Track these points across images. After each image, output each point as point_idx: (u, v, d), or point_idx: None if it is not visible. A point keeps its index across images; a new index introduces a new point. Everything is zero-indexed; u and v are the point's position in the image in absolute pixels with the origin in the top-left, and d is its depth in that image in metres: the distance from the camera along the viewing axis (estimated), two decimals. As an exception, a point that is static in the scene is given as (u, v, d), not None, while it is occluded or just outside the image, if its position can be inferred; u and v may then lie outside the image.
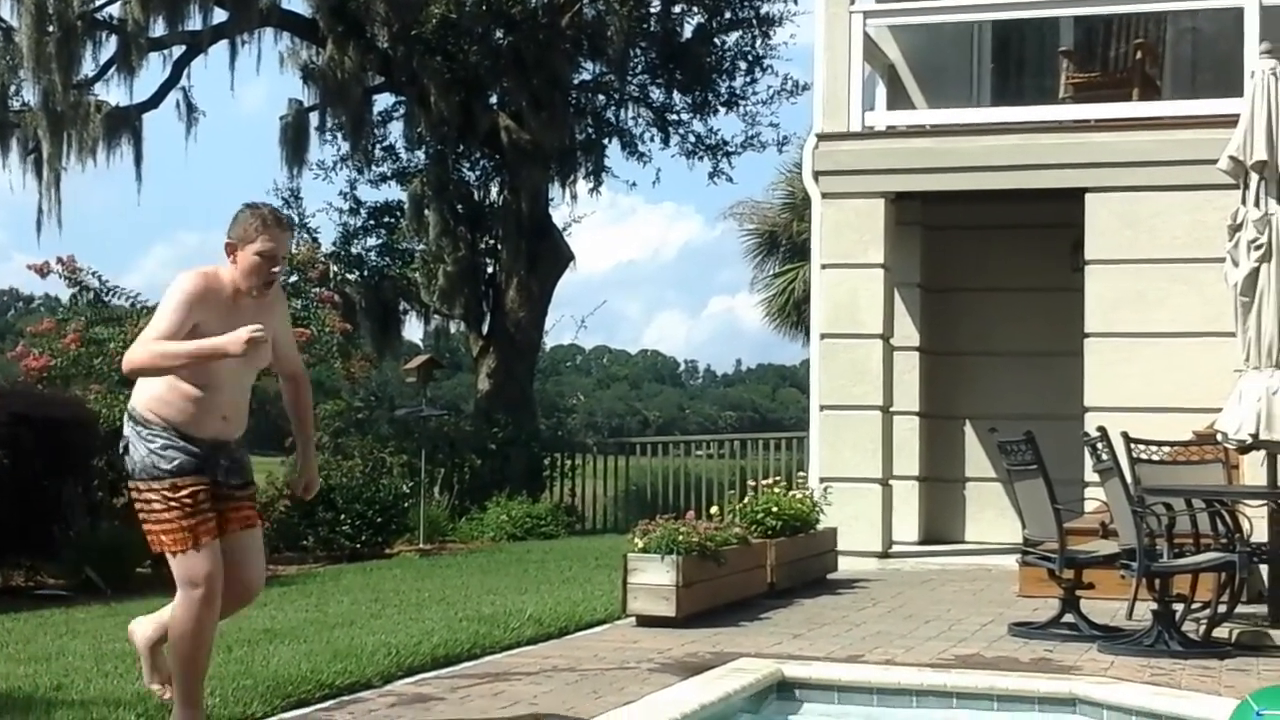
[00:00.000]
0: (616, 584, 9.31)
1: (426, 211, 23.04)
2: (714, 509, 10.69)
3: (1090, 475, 9.83)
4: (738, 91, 23.56)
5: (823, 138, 13.76)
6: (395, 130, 24.37)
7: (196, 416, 5.29)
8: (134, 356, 5.18)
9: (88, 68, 21.60)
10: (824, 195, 13.68)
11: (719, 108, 23.68)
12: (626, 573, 9.06)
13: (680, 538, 9.11)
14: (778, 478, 12.12)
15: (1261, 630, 8.59)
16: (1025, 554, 9.62)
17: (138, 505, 5.33)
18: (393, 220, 24.67)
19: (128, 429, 5.36)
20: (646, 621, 8.94)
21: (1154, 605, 8.39)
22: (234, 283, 5.37)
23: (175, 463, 5.24)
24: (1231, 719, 5.80)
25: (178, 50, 22.37)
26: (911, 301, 14.77)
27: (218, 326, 5.21)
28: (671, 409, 53.24)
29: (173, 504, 5.21)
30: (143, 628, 5.65)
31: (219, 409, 5.34)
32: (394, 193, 24.57)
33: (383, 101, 24.19)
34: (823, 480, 12.83)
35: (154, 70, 22.69)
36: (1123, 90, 13.48)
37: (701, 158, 24.01)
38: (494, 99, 23.02)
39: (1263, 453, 9.38)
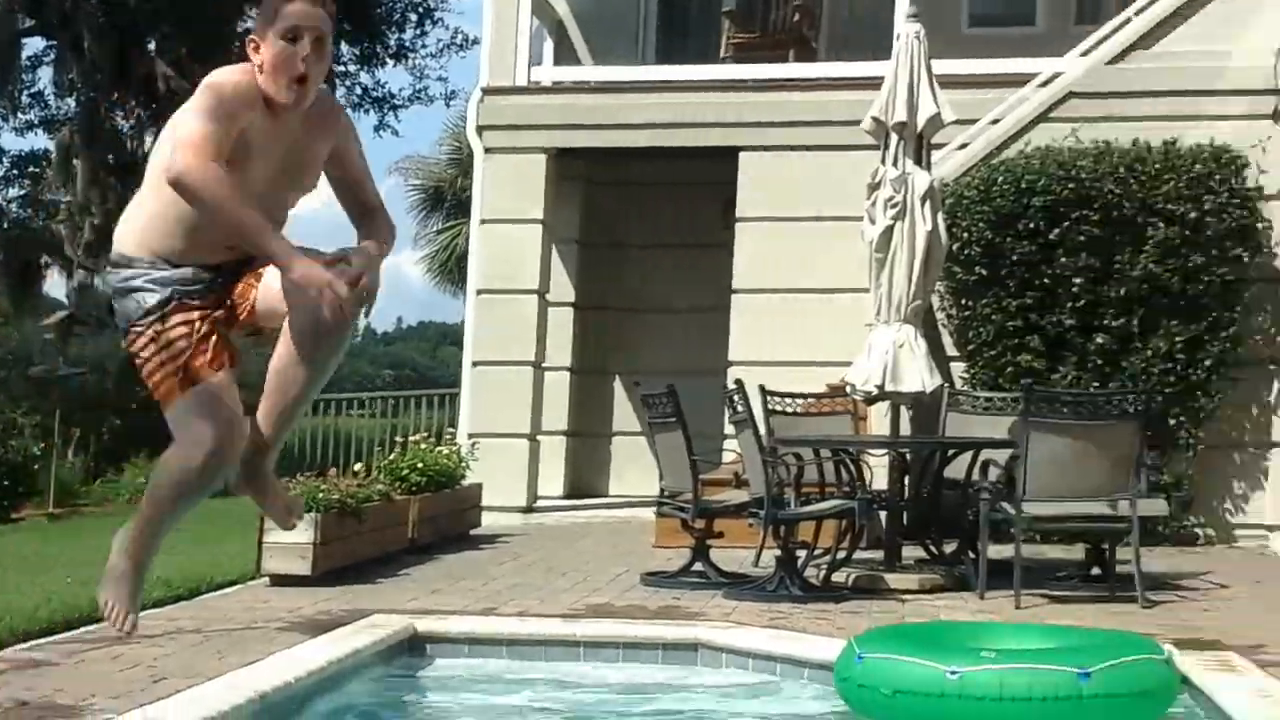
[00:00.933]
0: (253, 544, 9.14)
1: (75, 161, 22.09)
2: (358, 466, 10.61)
3: (730, 428, 10.11)
4: (407, 44, 23.40)
5: (488, 92, 13.78)
6: (45, 76, 23.33)
7: (197, 244, 4.29)
8: (190, 165, 3.99)
9: None
10: (487, 150, 13.71)
11: (387, 60, 23.45)
12: (261, 532, 8.91)
13: (320, 495, 9.02)
14: (425, 434, 12.11)
15: (878, 574, 9.01)
16: (661, 505, 9.85)
17: (138, 365, 4.35)
18: (38, 170, 23.59)
19: (110, 280, 4.38)
20: (281, 581, 8.82)
21: (779, 552, 8.69)
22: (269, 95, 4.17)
23: (164, 292, 4.28)
24: (837, 663, 6.09)
25: None
26: (569, 257, 14.92)
27: (260, 146, 4.18)
28: (329, 367, 52.45)
29: (164, 338, 4.27)
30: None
31: (228, 238, 4.25)
32: (40, 141, 23.55)
33: (32, 45, 23.10)
34: (471, 436, 12.88)
35: None
36: (780, 51, 13.89)
37: (368, 110, 23.77)
38: (153, 46, 22.20)
39: (888, 404, 9.83)
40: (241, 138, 4.10)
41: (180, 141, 4.04)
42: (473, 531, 11.75)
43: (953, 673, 5.45)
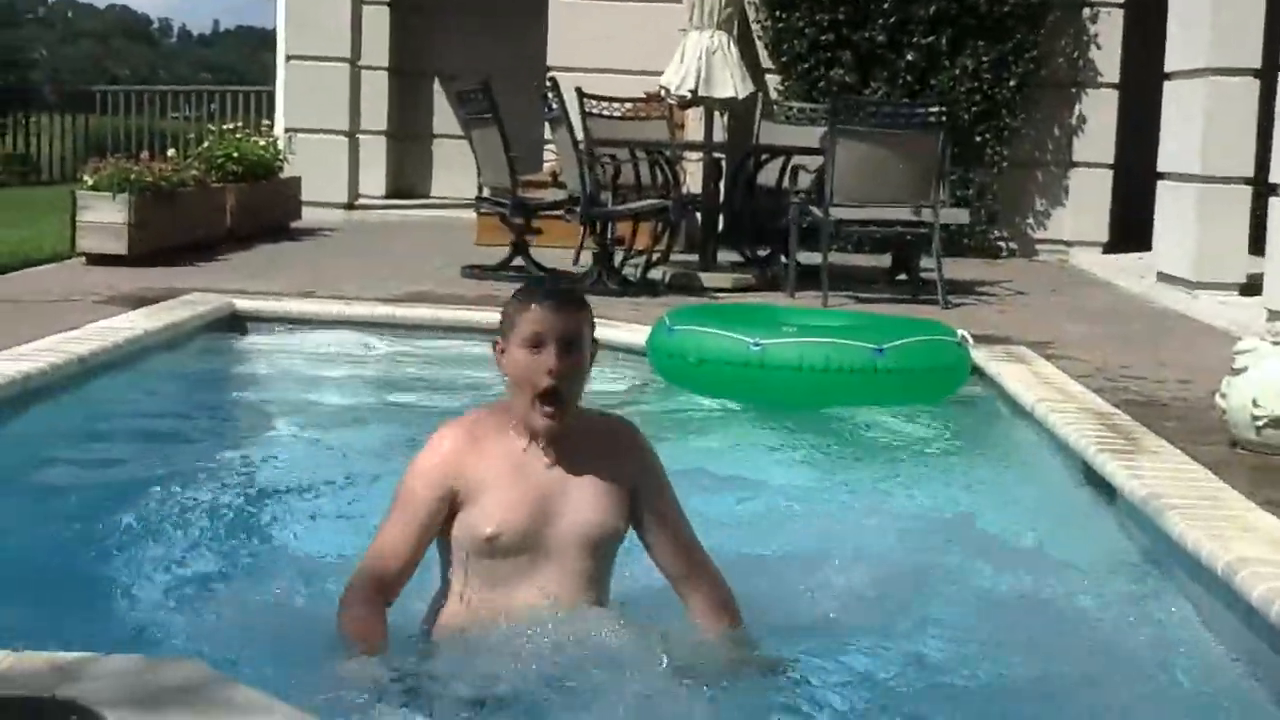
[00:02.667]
0: (67, 224, 9.06)
1: None
2: (171, 151, 10.45)
3: (550, 134, 10.13)
4: None
5: None
6: None
7: None
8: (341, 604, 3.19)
9: None
10: None
11: None
12: (76, 210, 8.83)
13: (133, 176, 8.92)
14: (239, 124, 11.93)
15: (693, 274, 9.24)
16: (480, 202, 9.92)
17: None
18: None
19: None
20: (98, 260, 8.77)
21: (597, 249, 8.86)
22: None
23: None
24: (650, 335, 6.36)
25: None
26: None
27: (496, 485, 3.20)
28: (144, 68, 50.76)
29: None
30: None
31: None
32: None
33: None
34: (288, 130, 12.73)
35: None
36: None
37: None
38: None
39: (702, 111, 9.96)
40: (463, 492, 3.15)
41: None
42: (293, 225, 11.72)
43: (755, 344, 5.76)
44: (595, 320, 3.20)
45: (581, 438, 3.17)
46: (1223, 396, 4.95)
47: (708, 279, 9.14)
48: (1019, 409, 5.75)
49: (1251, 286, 8.65)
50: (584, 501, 3.14)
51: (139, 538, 4.03)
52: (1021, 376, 6.08)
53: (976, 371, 6.30)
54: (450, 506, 3.11)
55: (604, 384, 6.66)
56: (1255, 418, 4.80)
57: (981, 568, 4.20)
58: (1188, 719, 3.20)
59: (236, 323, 7.37)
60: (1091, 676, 3.44)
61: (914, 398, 5.88)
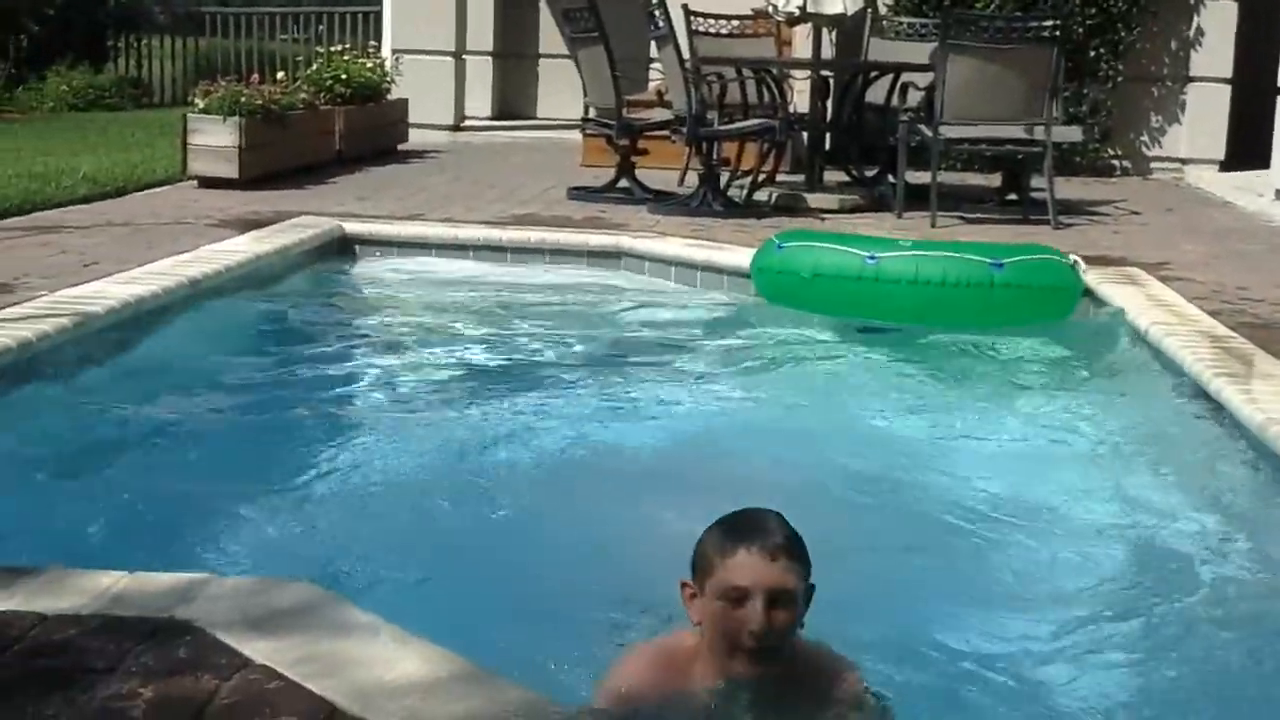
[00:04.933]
0: (178, 148, 9.15)
1: None
2: (280, 74, 10.50)
3: (656, 53, 10.05)
4: None
5: None
6: None
7: None
8: None
9: None
10: None
11: None
12: (187, 134, 8.91)
13: (243, 99, 8.97)
14: (347, 45, 11.95)
15: (798, 194, 9.16)
16: (586, 123, 9.88)
17: None
18: None
19: None
20: (208, 183, 8.85)
21: (702, 170, 8.80)
22: None
23: None
24: (756, 255, 6.31)
25: None
26: None
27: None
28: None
29: None
30: None
31: None
32: None
33: None
34: (395, 51, 12.74)
35: None
36: None
37: None
38: None
39: (810, 27, 9.83)
40: None
41: None
42: (400, 147, 11.77)
43: (871, 258, 5.68)
44: (809, 557, 2.60)
45: (790, 684, 2.62)
46: (1344, 319, 4.84)
47: (814, 199, 9.05)
48: (1132, 332, 5.65)
49: (1375, 205, 8.44)
50: None
51: (250, 461, 4.09)
52: (1135, 299, 5.97)
53: (1089, 294, 6.20)
54: None
55: (710, 308, 6.68)
56: (1378, 341, 4.69)
57: (1094, 493, 4.17)
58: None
59: (346, 245, 7.43)
60: (1204, 602, 3.40)
61: (1030, 316, 5.78)
